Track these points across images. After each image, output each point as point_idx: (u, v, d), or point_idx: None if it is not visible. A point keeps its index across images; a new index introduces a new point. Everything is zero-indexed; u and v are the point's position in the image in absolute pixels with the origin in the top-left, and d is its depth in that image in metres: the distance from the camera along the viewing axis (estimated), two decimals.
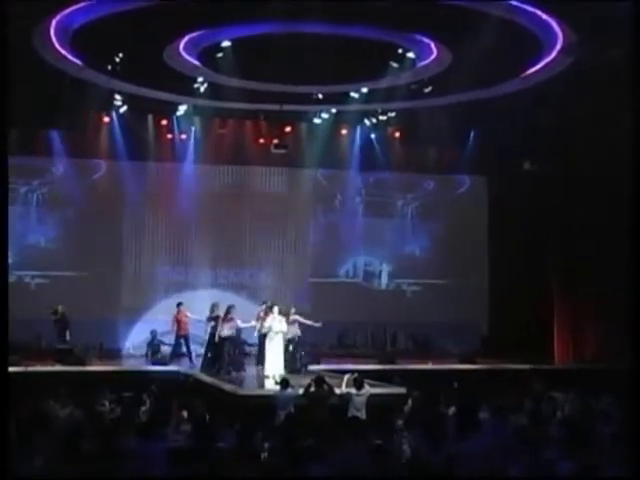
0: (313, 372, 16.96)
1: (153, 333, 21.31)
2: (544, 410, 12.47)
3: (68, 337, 19.54)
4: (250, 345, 19.58)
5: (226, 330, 17.75)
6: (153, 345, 21.24)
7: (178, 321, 19.75)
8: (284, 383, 13.86)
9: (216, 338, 17.88)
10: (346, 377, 14.05)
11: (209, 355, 18.46)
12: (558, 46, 17.26)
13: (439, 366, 20.16)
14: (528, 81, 19.12)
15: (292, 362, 17.65)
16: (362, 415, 13.16)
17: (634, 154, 11.88)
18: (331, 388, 13.58)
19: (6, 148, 10.53)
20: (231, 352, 17.83)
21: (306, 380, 14.56)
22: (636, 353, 11.08)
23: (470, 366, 20.05)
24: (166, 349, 20.89)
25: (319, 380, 13.61)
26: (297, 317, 17.97)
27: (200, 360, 18.94)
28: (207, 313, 18.65)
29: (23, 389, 12.10)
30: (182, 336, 19.78)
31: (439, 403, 13.21)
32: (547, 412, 12.36)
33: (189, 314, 19.75)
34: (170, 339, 20.67)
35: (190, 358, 19.62)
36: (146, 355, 20.50)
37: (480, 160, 23.89)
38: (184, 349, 19.92)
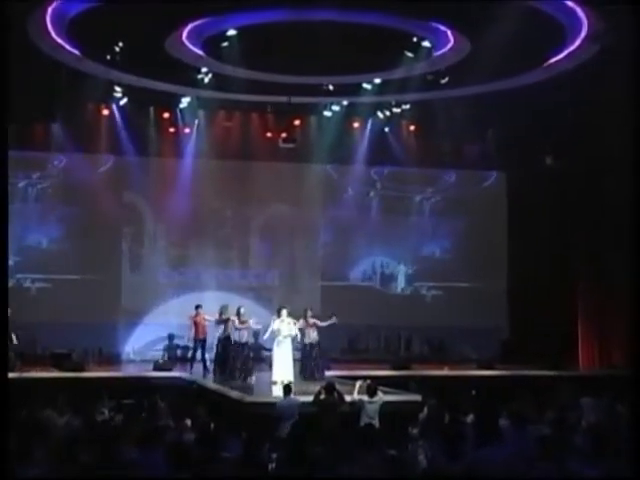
0: (323, 378, 16.96)
1: (171, 337, 21.39)
2: (568, 418, 12.39)
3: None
4: (267, 350, 19.46)
5: (237, 333, 17.70)
6: (170, 349, 21.33)
7: (196, 324, 19.65)
8: (286, 390, 13.82)
9: (231, 340, 17.85)
10: (358, 384, 14.02)
11: (219, 361, 18.45)
12: (583, 33, 17.19)
13: (456, 372, 20.13)
14: (551, 71, 19.05)
15: (311, 368, 17.60)
16: (375, 424, 13.12)
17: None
18: (341, 395, 13.54)
19: (6, 144, 10.56)
20: (243, 357, 17.76)
21: (311, 386, 14.53)
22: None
23: (489, 372, 19.99)
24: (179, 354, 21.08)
25: (329, 387, 13.58)
26: (315, 320, 17.87)
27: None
28: (216, 316, 18.71)
29: (18, 396, 12.09)
30: (200, 340, 19.72)
31: (456, 411, 13.14)
32: (572, 420, 12.28)
33: (208, 317, 19.54)
34: (183, 343, 20.80)
35: (205, 365, 19.54)
36: (162, 359, 20.50)
37: (499, 155, 23.86)
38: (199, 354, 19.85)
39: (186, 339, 20.20)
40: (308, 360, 17.69)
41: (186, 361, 20.22)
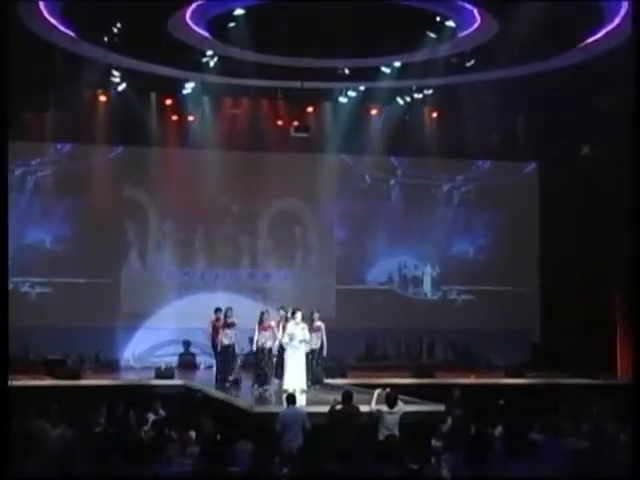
0: (335, 387, 16.94)
1: (186, 344, 21.45)
2: (607, 431, 12.34)
3: None
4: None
5: (264, 340, 17.70)
6: (185, 357, 21.38)
7: (215, 329, 19.55)
8: (290, 399, 13.80)
9: (254, 348, 17.86)
10: (376, 393, 13.98)
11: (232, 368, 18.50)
12: (622, 11, 17.08)
13: (483, 380, 20.07)
14: (586, 53, 18.95)
15: (314, 375, 17.59)
16: (395, 436, 13.09)
17: None
18: (356, 406, 13.52)
19: (7, 135, 10.62)
20: (265, 364, 17.77)
21: (325, 395, 14.46)
22: None
23: (519, 380, 19.94)
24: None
25: (346, 397, 13.55)
26: (321, 325, 17.82)
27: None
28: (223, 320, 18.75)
29: (7, 406, 12.11)
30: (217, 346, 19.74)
31: (483, 422, 13.13)
32: (610, 434, 12.23)
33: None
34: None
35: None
36: (172, 365, 20.67)
37: (530, 144, 23.76)
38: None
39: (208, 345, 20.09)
40: (310, 367, 17.62)
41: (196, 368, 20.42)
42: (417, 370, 20.52)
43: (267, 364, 17.73)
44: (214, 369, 19.26)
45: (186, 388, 18.57)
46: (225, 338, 18.48)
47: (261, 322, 17.75)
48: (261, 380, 17.49)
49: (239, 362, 19.05)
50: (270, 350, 17.76)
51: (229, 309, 18.55)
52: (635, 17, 13.84)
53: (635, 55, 13.03)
